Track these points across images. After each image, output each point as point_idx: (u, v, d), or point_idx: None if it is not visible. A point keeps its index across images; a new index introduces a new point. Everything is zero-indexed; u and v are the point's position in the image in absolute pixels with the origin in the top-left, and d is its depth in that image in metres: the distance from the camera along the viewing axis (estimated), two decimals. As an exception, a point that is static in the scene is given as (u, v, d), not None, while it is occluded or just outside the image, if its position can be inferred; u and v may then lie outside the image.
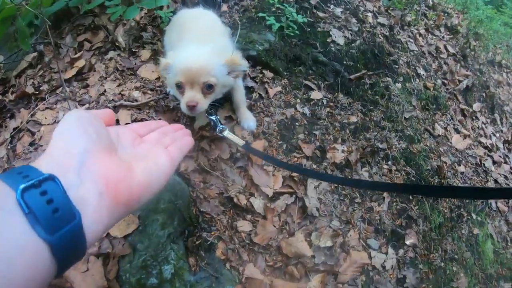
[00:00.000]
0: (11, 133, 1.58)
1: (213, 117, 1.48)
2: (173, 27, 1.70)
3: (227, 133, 1.41)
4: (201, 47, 1.37)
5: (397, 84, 2.34)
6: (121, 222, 1.30)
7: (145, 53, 1.86)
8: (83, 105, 1.63)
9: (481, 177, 2.26)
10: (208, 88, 1.31)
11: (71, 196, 0.40)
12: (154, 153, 0.57)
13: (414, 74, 2.57)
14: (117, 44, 1.83)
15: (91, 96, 1.66)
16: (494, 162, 2.40)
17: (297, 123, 1.92)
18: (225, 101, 1.73)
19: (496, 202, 2.17)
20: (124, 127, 0.63)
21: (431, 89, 2.54)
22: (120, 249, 1.28)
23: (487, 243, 2.01)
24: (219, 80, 1.33)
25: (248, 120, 1.70)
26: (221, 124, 1.47)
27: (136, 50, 1.87)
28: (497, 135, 2.68)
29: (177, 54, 1.36)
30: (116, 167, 0.47)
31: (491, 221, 2.08)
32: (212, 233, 1.48)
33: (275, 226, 1.59)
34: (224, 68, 1.36)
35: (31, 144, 1.51)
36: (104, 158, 0.46)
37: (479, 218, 2.05)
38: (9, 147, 1.53)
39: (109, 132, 0.54)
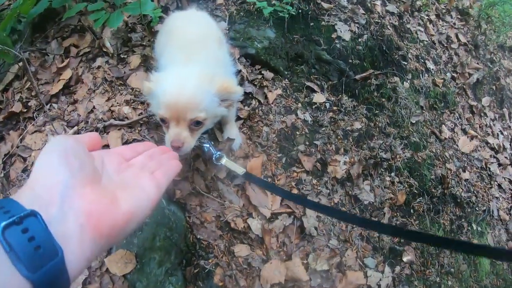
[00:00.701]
0: (3, 158, 1.54)
1: (206, 145, 1.36)
2: (162, 33, 1.53)
3: (225, 162, 1.32)
4: (188, 69, 1.18)
5: (405, 83, 2.21)
6: (119, 261, 1.29)
7: (135, 60, 1.72)
8: (71, 126, 1.56)
9: (485, 182, 2.21)
10: (196, 124, 1.15)
11: (53, 231, 0.39)
12: (140, 180, 0.56)
13: (423, 69, 2.42)
14: (104, 50, 1.68)
15: (79, 115, 1.59)
16: (499, 165, 2.34)
17: (297, 132, 1.82)
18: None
19: (498, 210, 2.13)
20: (110, 151, 0.62)
21: (440, 85, 2.41)
22: (120, 286, 1.28)
23: (485, 255, 2.00)
24: (209, 113, 1.16)
25: (232, 135, 1.56)
26: (217, 151, 1.36)
27: (125, 56, 1.73)
28: (505, 132, 2.59)
29: (161, 79, 1.17)
30: (98, 199, 0.46)
31: (491, 230, 2.06)
32: (210, 260, 1.45)
33: (272, 248, 1.55)
34: (216, 98, 1.18)
35: (23, 170, 1.47)
36: (86, 190, 0.46)
37: (479, 228, 2.03)
38: (2, 174, 1.49)
39: (94, 158, 0.53)
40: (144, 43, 1.84)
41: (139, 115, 1.66)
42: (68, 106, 1.66)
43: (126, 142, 1.57)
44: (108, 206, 0.47)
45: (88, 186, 0.46)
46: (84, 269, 0.44)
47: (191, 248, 1.47)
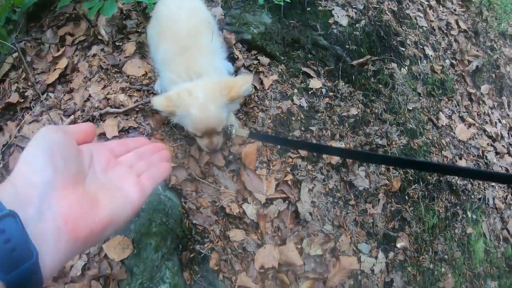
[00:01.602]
0: (2, 149, 1.55)
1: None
2: (154, 21, 1.51)
3: (235, 131, 1.39)
4: (197, 87, 1.24)
5: (402, 69, 2.19)
6: (117, 246, 1.33)
7: (130, 47, 1.71)
8: (68, 115, 1.57)
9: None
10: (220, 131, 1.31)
11: (29, 231, 0.39)
12: (124, 183, 0.55)
13: (422, 55, 2.40)
14: (99, 38, 1.67)
15: (76, 103, 1.59)
16: (496, 153, 2.33)
17: (293, 118, 1.81)
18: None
19: (494, 199, 2.13)
20: (100, 146, 0.60)
21: (439, 72, 2.39)
22: (118, 271, 1.32)
23: (479, 242, 2.00)
24: (228, 115, 1.33)
25: (229, 121, 1.60)
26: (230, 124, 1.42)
27: (120, 44, 1.72)
28: (503, 121, 2.57)
29: (178, 101, 1.23)
30: (78, 202, 0.46)
31: (486, 218, 2.06)
32: (205, 245, 1.46)
33: (267, 233, 1.56)
34: (228, 104, 1.27)
35: None
36: (67, 192, 0.45)
37: (474, 216, 2.03)
38: (1, 165, 1.50)
39: (82, 154, 0.52)
40: (139, 30, 1.83)
41: (135, 102, 1.66)
42: (65, 95, 1.66)
43: (122, 130, 1.57)
44: (87, 210, 0.46)
45: (70, 187, 0.46)
46: (59, 269, 0.44)
47: (187, 233, 1.48)
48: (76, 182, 0.47)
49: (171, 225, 1.43)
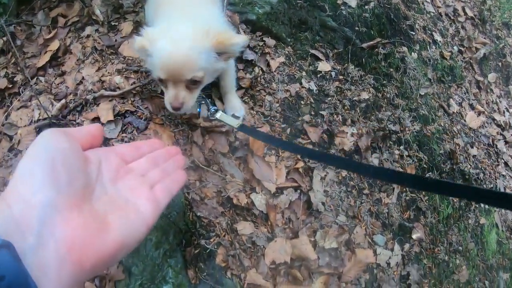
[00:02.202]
0: None
1: (201, 101, 1.31)
2: None
3: (220, 115, 1.24)
4: (181, 25, 1.10)
5: (413, 54, 2.09)
6: None
7: (127, 27, 1.58)
8: (59, 99, 1.43)
9: (492, 159, 2.13)
10: (194, 83, 1.11)
11: (27, 263, 0.34)
12: (137, 197, 0.47)
13: (431, 41, 2.30)
14: (94, 18, 1.52)
15: (68, 87, 1.46)
16: (506, 142, 2.26)
17: (302, 102, 1.69)
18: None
19: (505, 188, 2.06)
20: (109, 151, 0.52)
21: (448, 58, 2.30)
22: (115, 271, 1.18)
23: (491, 233, 1.93)
24: (208, 70, 1.11)
25: (235, 108, 1.46)
26: (213, 105, 1.29)
27: (116, 24, 1.58)
28: (511, 110, 2.51)
29: (154, 35, 1.08)
30: (84, 225, 0.39)
31: (498, 209, 1.99)
32: (211, 239, 1.33)
33: (278, 225, 1.44)
34: (213, 53, 1.10)
35: (10, 149, 1.35)
36: (72, 213, 0.38)
37: (486, 206, 1.95)
38: None
39: (89, 163, 0.45)
40: (136, 10, 1.69)
41: (132, 84, 1.52)
42: (56, 78, 1.53)
43: (118, 114, 1.43)
44: (95, 234, 0.40)
45: (75, 208, 0.39)
46: None
47: (191, 227, 1.34)
48: (82, 200, 0.41)
49: (173, 218, 1.28)
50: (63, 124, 1.46)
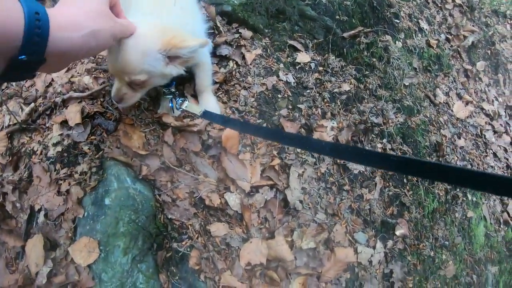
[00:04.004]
0: None
1: (170, 96, 1.27)
2: None
3: (186, 106, 1.22)
4: (142, 22, 1.02)
5: (397, 43, 2.01)
6: (83, 249, 1.18)
7: None
8: (28, 103, 1.42)
9: (481, 150, 2.07)
10: (135, 84, 1.07)
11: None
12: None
13: (417, 29, 2.22)
14: None
15: (37, 90, 1.44)
16: (494, 132, 2.20)
17: (279, 96, 1.62)
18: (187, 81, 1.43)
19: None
20: None
21: (434, 46, 2.22)
22: (86, 278, 1.16)
23: (479, 226, 1.88)
24: (154, 74, 1.06)
25: (211, 108, 1.38)
26: (180, 98, 1.26)
27: None
28: (500, 99, 2.45)
29: None
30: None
31: (486, 201, 1.93)
32: (184, 242, 1.27)
33: (253, 225, 1.37)
34: (160, 56, 1.03)
35: None
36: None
37: (474, 199, 1.90)
38: None
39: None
40: None
41: (101, 84, 1.46)
42: (26, 81, 1.50)
43: (87, 116, 1.37)
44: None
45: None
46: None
47: (162, 229, 1.29)
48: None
49: (141, 222, 1.24)
50: (32, 129, 1.41)
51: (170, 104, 1.30)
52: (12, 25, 0.56)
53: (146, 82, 1.07)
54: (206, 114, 1.18)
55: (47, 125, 1.41)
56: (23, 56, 0.60)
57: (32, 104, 1.43)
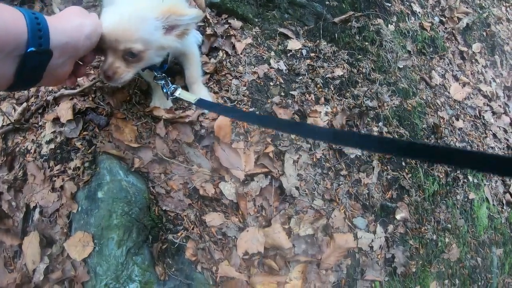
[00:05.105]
0: None
1: (161, 81, 1.22)
2: None
3: (179, 93, 1.18)
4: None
5: (389, 26, 1.99)
6: (78, 244, 1.19)
7: None
8: (21, 103, 1.41)
9: (480, 131, 2.04)
10: (131, 55, 1.02)
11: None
12: None
13: (409, 12, 2.20)
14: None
15: (29, 90, 1.44)
16: (493, 113, 2.17)
17: (271, 83, 1.60)
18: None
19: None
20: None
21: (428, 29, 2.19)
22: (82, 272, 1.16)
23: (482, 208, 1.85)
24: (150, 44, 1.03)
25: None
26: (172, 84, 1.21)
27: None
28: (497, 80, 2.41)
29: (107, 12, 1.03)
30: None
31: (488, 182, 1.90)
32: (179, 233, 1.26)
33: (249, 214, 1.36)
34: (159, 24, 1.01)
35: None
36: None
37: (475, 180, 1.87)
38: None
39: None
40: (96, 3, 1.60)
41: (91, 80, 1.45)
42: None
43: (78, 112, 1.36)
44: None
45: None
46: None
47: (157, 221, 1.27)
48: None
49: (135, 214, 1.23)
50: (26, 128, 1.41)
51: (164, 90, 1.27)
52: (16, 25, 0.67)
53: (141, 54, 1.03)
54: (201, 102, 1.15)
55: (39, 123, 1.40)
56: (32, 48, 0.69)
57: (25, 104, 1.42)
